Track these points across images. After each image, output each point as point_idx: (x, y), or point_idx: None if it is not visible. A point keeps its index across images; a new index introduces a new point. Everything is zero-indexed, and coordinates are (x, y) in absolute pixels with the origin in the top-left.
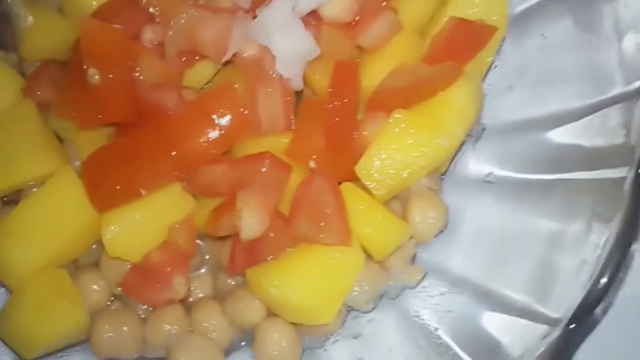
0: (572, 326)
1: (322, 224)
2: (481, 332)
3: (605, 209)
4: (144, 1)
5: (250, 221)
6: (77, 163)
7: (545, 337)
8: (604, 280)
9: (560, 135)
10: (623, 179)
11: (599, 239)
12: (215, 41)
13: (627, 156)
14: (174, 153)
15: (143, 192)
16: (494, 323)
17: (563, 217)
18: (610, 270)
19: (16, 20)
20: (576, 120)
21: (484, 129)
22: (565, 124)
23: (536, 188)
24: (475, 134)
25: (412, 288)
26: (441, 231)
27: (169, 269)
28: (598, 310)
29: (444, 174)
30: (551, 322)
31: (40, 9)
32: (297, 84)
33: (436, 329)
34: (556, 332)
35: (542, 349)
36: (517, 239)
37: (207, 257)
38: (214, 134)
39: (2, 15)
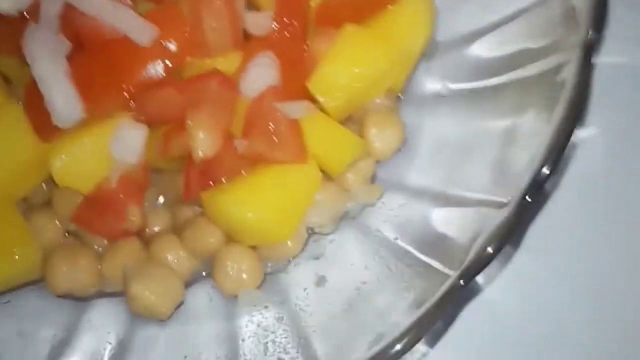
0: (523, 202)
1: (276, 141)
2: (438, 232)
3: (553, 94)
4: None
5: (203, 140)
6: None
7: (497, 221)
8: (551, 159)
9: (510, 36)
10: (568, 62)
11: (548, 125)
12: None
13: (571, 40)
14: (118, 75)
15: (84, 113)
16: (449, 221)
17: (514, 113)
18: (557, 150)
19: None
20: (522, 15)
21: (437, 46)
22: (510, 23)
23: (488, 92)
24: (429, 52)
25: (372, 206)
26: (399, 149)
27: (121, 196)
28: (547, 187)
29: (400, 93)
30: (503, 206)
31: None
32: None
33: (395, 238)
34: (508, 212)
35: (494, 228)
36: (472, 144)
37: (161, 198)
38: (159, 57)
39: None
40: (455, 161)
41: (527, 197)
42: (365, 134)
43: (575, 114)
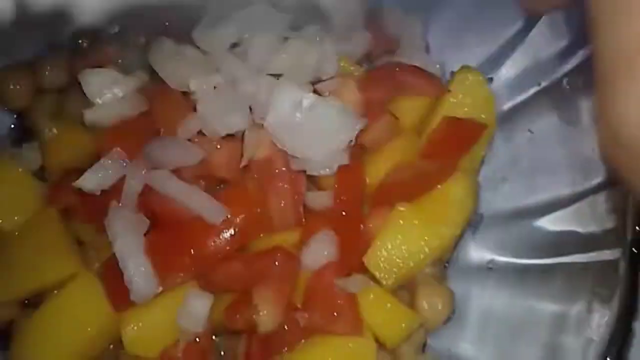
0: None
1: (334, 315)
2: None
3: (604, 289)
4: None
5: (267, 315)
6: (97, 265)
7: None
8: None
9: (554, 222)
10: (618, 260)
11: (601, 318)
12: (226, 163)
13: (620, 238)
14: (190, 250)
15: (160, 288)
16: None
17: (565, 299)
18: (614, 348)
19: (40, 132)
20: (568, 206)
21: (482, 219)
22: (558, 210)
23: (536, 272)
24: (474, 223)
25: None
26: (449, 318)
27: None
28: None
29: (447, 262)
30: None
31: (64, 121)
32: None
33: None
34: None
35: None
36: (522, 323)
37: (222, 353)
38: (228, 233)
39: (27, 129)
40: (506, 338)
41: None
42: (416, 304)
43: (629, 312)
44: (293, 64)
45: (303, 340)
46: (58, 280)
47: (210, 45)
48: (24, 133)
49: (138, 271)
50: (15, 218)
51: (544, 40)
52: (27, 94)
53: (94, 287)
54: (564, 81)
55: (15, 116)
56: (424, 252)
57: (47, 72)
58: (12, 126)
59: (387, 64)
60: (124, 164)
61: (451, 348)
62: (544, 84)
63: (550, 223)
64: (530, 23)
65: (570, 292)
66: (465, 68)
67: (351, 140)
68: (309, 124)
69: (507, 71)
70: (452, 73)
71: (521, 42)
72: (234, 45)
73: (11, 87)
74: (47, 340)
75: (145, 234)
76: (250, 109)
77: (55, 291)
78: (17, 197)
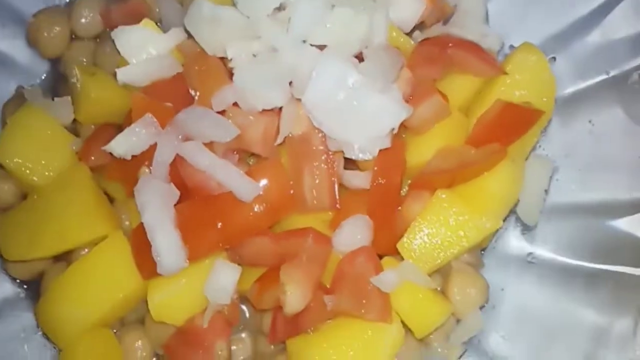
0: None
1: (363, 301)
2: None
3: None
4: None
5: (294, 296)
6: (127, 223)
7: None
8: None
9: (609, 226)
10: None
11: None
12: (262, 139)
13: None
14: (219, 225)
15: (187, 263)
16: None
17: (610, 311)
18: None
19: (73, 84)
20: (627, 214)
21: None
22: (616, 217)
23: (582, 276)
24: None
25: None
26: (481, 307)
27: (211, 334)
28: None
29: (484, 249)
30: None
31: (98, 74)
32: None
33: None
34: None
35: None
36: (561, 327)
37: (247, 316)
38: (259, 210)
39: (61, 78)
40: (541, 339)
41: None
42: (448, 292)
43: None
44: (339, 35)
45: (329, 320)
46: (88, 241)
47: (251, 8)
48: (58, 82)
49: (167, 245)
50: (47, 174)
51: (623, 25)
52: (61, 41)
53: (124, 250)
54: (636, 74)
55: (49, 64)
56: (461, 245)
57: (82, 19)
58: (44, 76)
59: (440, 37)
60: (156, 131)
61: (481, 339)
62: (612, 73)
63: (604, 226)
64: (611, 2)
65: (616, 305)
66: (526, 46)
67: (394, 128)
68: (351, 105)
69: (574, 53)
70: (512, 47)
71: (596, 23)
72: (278, 10)
73: (45, 34)
74: (75, 301)
75: (175, 205)
76: (290, 82)
77: (86, 249)
78: (50, 151)
